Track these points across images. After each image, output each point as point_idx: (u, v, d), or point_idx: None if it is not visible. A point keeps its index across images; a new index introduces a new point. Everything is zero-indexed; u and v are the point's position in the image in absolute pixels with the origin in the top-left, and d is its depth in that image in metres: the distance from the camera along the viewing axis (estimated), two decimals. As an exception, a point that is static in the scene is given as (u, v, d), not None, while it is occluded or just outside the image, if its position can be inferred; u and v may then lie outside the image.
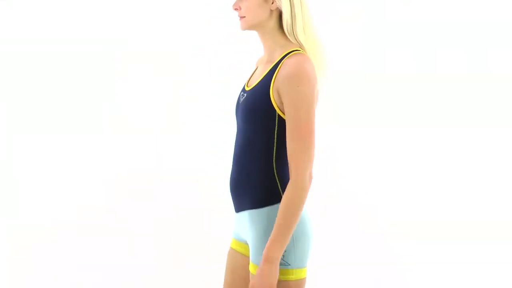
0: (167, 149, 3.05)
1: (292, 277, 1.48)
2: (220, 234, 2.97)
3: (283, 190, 1.47)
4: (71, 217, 3.04)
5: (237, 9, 1.53)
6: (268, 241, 1.43)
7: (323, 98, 1.61)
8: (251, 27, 1.53)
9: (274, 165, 1.49)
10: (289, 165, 1.44)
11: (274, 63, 1.50)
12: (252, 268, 1.52)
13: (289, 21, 1.48)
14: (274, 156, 1.48)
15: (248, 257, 1.60)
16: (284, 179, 1.48)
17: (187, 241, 3.03)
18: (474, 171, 3.11)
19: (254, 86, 1.54)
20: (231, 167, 1.61)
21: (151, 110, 3.06)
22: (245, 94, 1.57)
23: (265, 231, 1.48)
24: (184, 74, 3.03)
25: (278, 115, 1.45)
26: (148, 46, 3.06)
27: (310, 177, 1.45)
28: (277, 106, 1.45)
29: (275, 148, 1.48)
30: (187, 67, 3.04)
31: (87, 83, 3.06)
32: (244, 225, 1.58)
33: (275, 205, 1.48)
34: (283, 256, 1.46)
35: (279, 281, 1.47)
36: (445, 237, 3.08)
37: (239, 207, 1.59)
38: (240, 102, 1.59)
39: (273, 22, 1.52)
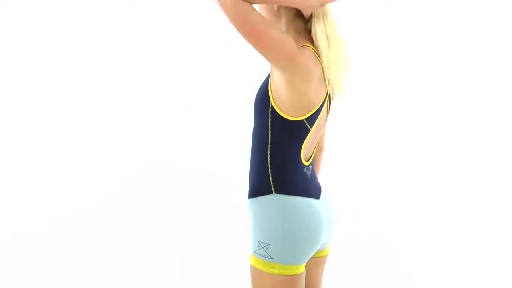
0: (173, 150, 3.06)
1: (275, 271, 1.48)
2: (225, 234, 2.98)
3: (274, 184, 1.51)
4: (74, 221, 3.05)
5: None
6: None
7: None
8: None
9: (268, 159, 1.52)
10: None
11: None
12: (251, 259, 1.56)
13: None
14: (269, 151, 1.51)
15: None
16: (277, 174, 1.52)
17: (193, 242, 3.04)
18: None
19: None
20: None
21: (154, 111, 3.06)
22: None
23: (255, 220, 1.53)
24: (186, 74, 3.04)
25: (272, 107, 1.47)
26: (151, 46, 3.06)
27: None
28: (272, 97, 1.47)
29: (269, 142, 1.51)
30: (189, 67, 3.05)
31: (95, 83, 3.07)
32: None
33: (265, 196, 1.52)
34: (266, 248, 1.49)
35: (262, 272, 1.50)
36: (445, 239, 3.08)
37: None
38: None
39: (284, 20, 1.54)
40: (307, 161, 1.58)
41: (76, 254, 3.02)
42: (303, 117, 1.48)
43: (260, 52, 1.35)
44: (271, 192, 1.51)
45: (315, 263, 1.69)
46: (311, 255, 1.55)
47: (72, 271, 3.00)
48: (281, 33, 1.35)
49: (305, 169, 1.56)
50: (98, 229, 3.04)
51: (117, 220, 3.05)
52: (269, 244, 1.48)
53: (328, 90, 1.53)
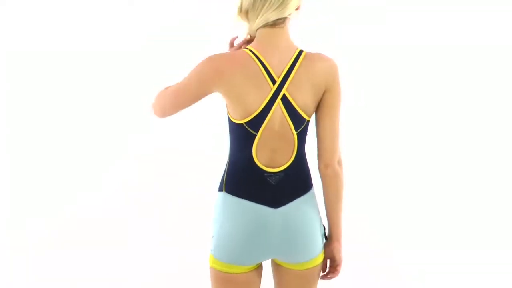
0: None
1: (210, 262, 1.60)
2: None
3: (225, 183, 1.56)
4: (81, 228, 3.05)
5: None
6: None
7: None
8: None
9: (228, 159, 1.58)
10: None
11: None
12: None
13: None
14: (229, 152, 1.58)
15: None
16: (229, 174, 1.56)
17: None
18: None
19: None
20: None
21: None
22: None
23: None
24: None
25: (227, 109, 1.53)
26: (151, 46, 3.06)
27: (153, 111, 1.59)
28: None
29: (229, 144, 1.57)
30: (188, 67, 3.05)
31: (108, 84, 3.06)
32: None
33: (218, 192, 1.59)
34: (211, 240, 1.58)
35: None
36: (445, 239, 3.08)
37: None
38: None
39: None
40: (273, 168, 1.52)
41: (77, 254, 3.02)
42: (243, 121, 1.49)
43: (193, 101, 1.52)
44: (221, 190, 1.57)
45: (285, 272, 1.64)
46: (255, 260, 1.56)
47: (74, 271, 3.00)
48: (186, 82, 1.50)
49: (265, 175, 1.52)
50: (97, 229, 3.04)
51: (118, 220, 3.05)
52: (212, 237, 1.57)
53: (279, 93, 1.47)
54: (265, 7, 1.46)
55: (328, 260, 1.68)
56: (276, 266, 1.67)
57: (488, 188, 3.12)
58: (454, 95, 3.17)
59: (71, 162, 3.10)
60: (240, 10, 1.50)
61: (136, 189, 3.13)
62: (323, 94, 1.52)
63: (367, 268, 2.97)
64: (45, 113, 3.06)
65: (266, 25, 1.49)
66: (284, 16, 1.49)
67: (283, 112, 1.49)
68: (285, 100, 1.48)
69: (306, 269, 1.61)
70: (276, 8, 1.46)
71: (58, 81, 3.07)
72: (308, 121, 1.54)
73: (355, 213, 3.06)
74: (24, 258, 3.00)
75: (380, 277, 2.94)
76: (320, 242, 1.60)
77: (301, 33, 2.99)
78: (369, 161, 3.16)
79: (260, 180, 1.52)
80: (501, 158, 3.18)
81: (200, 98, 1.52)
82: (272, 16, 1.47)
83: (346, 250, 1.59)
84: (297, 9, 1.52)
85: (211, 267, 1.60)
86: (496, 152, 3.19)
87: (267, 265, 1.69)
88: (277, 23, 1.49)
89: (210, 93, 1.50)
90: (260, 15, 1.47)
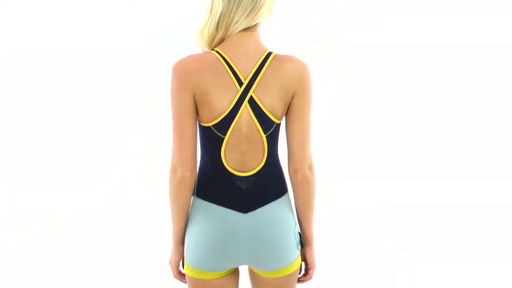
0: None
1: (185, 269, 1.58)
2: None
3: (197, 187, 1.55)
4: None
5: None
6: None
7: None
8: None
9: (198, 163, 1.56)
10: None
11: None
12: None
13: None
14: (200, 156, 1.56)
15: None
16: (200, 178, 1.55)
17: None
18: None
19: None
20: None
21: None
22: None
23: None
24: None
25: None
26: (151, 46, 3.06)
27: (174, 169, 1.51)
28: None
29: (200, 148, 1.56)
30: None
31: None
32: None
33: (192, 197, 1.57)
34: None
35: None
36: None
37: None
38: None
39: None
40: (243, 172, 1.50)
41: (77, 254, 3.03)
42: (210, 124, 1.47)
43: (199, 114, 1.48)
44: (193, 194, 1.55)
45: (259, 280, 1.62)
46: (224, 266, 1.53)
47: (74, 271, 3.00)
48: (175, 116, 1.46)
49: (234, 179, 1.50)
50: (97, 229, 3.04)
51: (118, 220, 3.05)
52: (185, 242, 1.57)
53: (246, 95, 1.44)
54: (239, 9, 1.42)
55: (303, 263, 1.65)
56: (251, 273, 1.65)
57: (478, 180, 3.14)
58: (453, 96, 3.17)
59: (71, 162, 3.11)
60: (210, 12, 1.47)
61: (136, 189, 3.13)
62: (292, 96, 1.47)
63: (357, 255, 2.97)
64: (45, 113, 3.07)
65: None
66: (255, 23, 1.46)
67: (250, 115, 1.46)
68: (252, 102, 1.44)
69: (280, 277, 1.56)
70: (248, 14, 1.43)
71: (58, 81, 3.07)
72: (278, 124, 1.51)
73: (346, 201, 3.06)
74: (24, 258, 3.01)
75: (370, 264, 2.93)
76: (294, 249, 1.54)
77: (298, 34, 3.00)
78: (365, 160, 3.16)
79: (230, 184, 1.50)
80: (497, 158, 3.18)
81: (195, 110, 1.47)
82: (243, 25, 1.44)
83: (335, 237, 1.59)
84: (269, 12, 1.49)
85: (189, 277, 1.58)
86: (492, 152, 3.19)
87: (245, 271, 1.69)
88: (249, 28, 1.47)
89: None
90: (233, 23, 1.43)
